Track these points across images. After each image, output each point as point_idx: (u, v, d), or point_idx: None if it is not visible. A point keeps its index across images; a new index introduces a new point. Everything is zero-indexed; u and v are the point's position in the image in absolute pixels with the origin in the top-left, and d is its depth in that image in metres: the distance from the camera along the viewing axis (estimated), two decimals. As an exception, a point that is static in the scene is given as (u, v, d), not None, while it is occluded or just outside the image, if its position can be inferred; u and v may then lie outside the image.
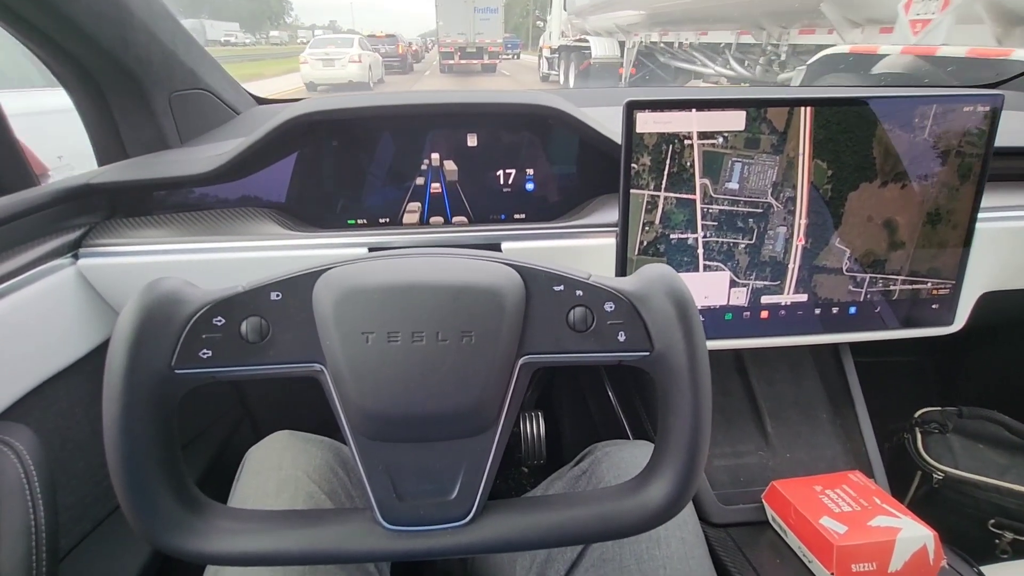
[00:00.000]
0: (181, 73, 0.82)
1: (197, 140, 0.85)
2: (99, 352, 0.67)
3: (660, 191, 0.64)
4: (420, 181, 0.73)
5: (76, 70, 0.72)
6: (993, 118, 0.64)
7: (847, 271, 0.68)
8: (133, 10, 0.71)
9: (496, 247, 0.69)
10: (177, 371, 0.31)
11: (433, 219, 0.75)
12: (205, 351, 0.32)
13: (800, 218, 0.66)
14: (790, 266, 0.67)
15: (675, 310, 0.33)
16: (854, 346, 0.85)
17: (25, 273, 0.58)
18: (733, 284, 0.68)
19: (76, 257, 0.65)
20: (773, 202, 0.65)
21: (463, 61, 17.33)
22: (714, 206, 0.65)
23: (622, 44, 9.11)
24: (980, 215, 0.68)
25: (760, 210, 0.65)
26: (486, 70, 17.73)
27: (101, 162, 0.79)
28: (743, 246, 0.66)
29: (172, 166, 0.70)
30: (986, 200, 0.68)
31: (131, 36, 0.71)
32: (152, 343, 0.30)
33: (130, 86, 0.75)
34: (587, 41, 9.77)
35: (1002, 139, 0.65)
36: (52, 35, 0.66)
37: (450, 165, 0.73)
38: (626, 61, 8.83)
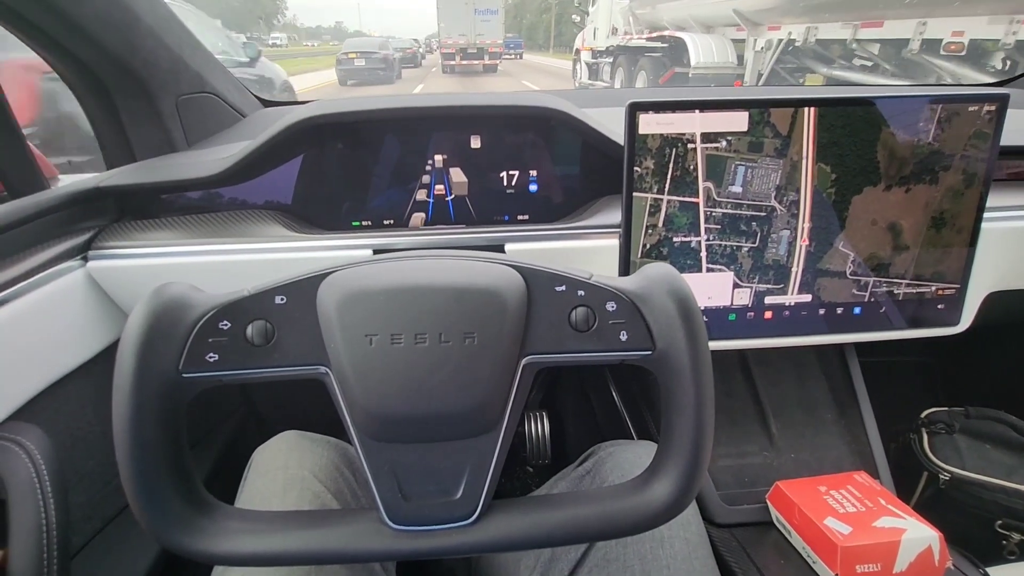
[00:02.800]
0: (188, 77, 0.83)
1: (204, 143, 0.86)
2: (108, 353, 0.68)
3: (663, 194, 0.64)
4: (424, 183, 0.73)
5: (84, 74, 0.73)
6: (999, 117, 0.64)
7: (851, 275, 0.68)
8: (140, 15, 0.71)
9: (500, 248, 0.69)
10: (185, 375, 0.32)
11: (437, 221, 0.75)
12: (212, 355, 0.32)
13: (803, 221, 0.66)
14: (793, 269, 0.67)
15: (677, 309, 0.33)
16: (859, 346, 0.85)
17: (36, 275, 0.59)
18: (736, 285, 0.68)
19: (85, 259, 0.66)
20: (776, 205, 0.65)
21: (464, 62, 17.73)
22: (717, 209, 0.65)
23: (738, 44, 6.06)
24: (987, 215, 0.67)
25: (763, 213, 0.65)
26: (487, 70, 18.03)
27: (109, 165, 0.80)
28: (746, 249, 0.66)
29: (179, 169, 0.71)
30: (993, 200, 0.67)
31: (138, 41, 0.72)
32: (160, 348, 0.31)
33: (137, 90, 0.76)
34: (659, 40, 6.84)
35: (1009, 138, 0.65)
36: (60, 40, 0.67)
37: (459, 176, 0.73)
38: (751, 71, 5.78)
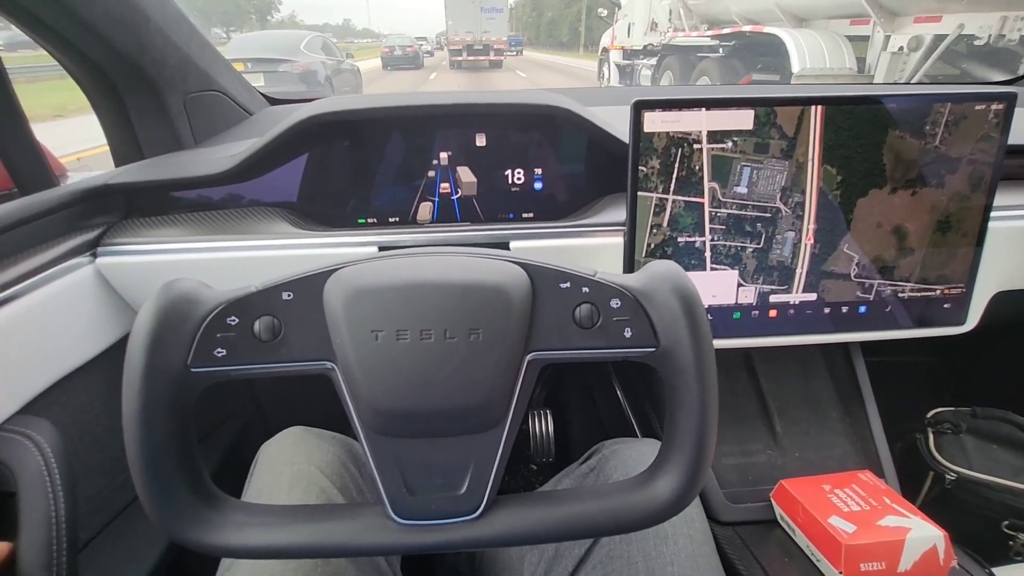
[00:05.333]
0: (196, 75, 0.83)
1: (211, 141, 0.87)
2: (116, 348, 0.69)
3: (668, 194, 0.64)
4: (430, 181, 0.73)
5: (94, 73, 0.74)
6: (1007, 116, 0.63)
7: (855, 277, 0.68)
8: (149, 14, 0.72)
9: (504, 246, 0.70)
10: (193, 370, 0.32)
11: (442, 218, 0.75)
12: (220, 350, 0.32)
13: (808, 223, 0.66)
14: (798, 271, 0.67)
15: (681, 306, 0.33)
16: (865, 345, 0.85)
17: (46, 272, 0.60)
18: (741, 284, 0.68)
19: (94, 256, 0.67)
20: (781, 207, 0.65)
21: (470, 58, 18.70)
22: (722, 210, 0.65)
23: (859, 42, 4.21)
24: (994, 213, 0.67)
25: (768, 215, 0.65)
26: (493, 66, 18.76)
27: (118, 163, 0.81)
28: (751, 250, 0.66)
29: (187, 167, 0.72)
30: (1000, 198, 0.67)
31: (147, 40, 0.73)
32: (169, 343, 0.31)
33: (146, 88, 0.77)
34: (735, 38, 5.22)
35: (1019, 136, 0.64)
36: (70, 39, 0.68)
37: (467, 176, 0.73)
38: (883, 79, 3.85)
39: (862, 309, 0.70)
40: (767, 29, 4.77)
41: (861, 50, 4.26)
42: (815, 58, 4.28)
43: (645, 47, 7.22)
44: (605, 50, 8.98)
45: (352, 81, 8.75)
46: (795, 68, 4.29)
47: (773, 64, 4.75)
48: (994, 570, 0.62)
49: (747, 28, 5.12)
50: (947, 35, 3.49)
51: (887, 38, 3.92)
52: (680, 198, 0.64)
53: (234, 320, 0.32)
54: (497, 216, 0.76)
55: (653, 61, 6.88)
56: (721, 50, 5.48)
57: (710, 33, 5.73)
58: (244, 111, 0.96)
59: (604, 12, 9.00)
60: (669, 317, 0.33)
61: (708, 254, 0.66)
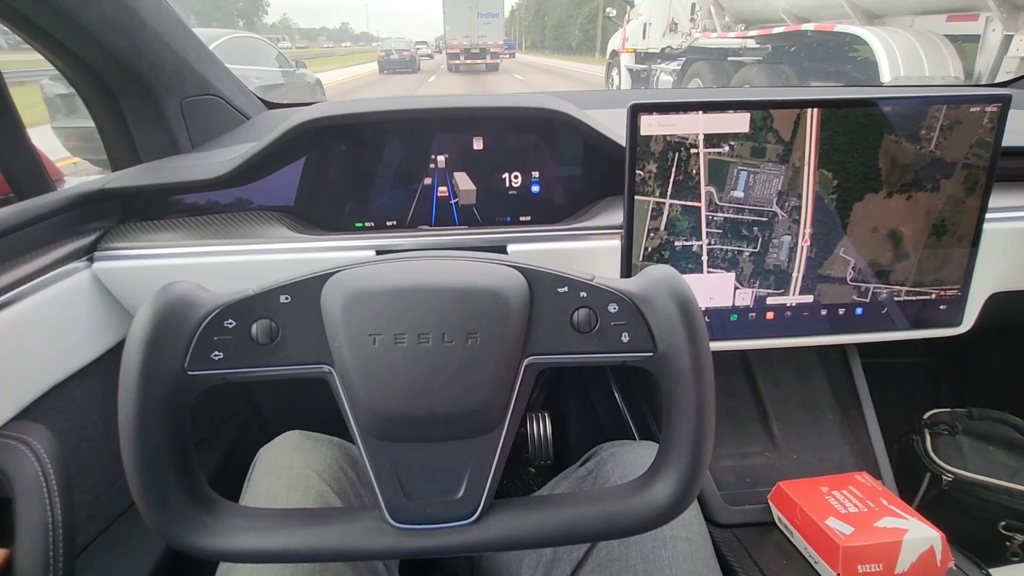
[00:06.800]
0: (193, 79, 0.83)
1: (208, 145, 0.87)
2: (113, 353, 0.69)
3: (665, 198, 0.64)
4: (427, 184, 0.73)
5: (90, 77, 0.74)
6: (1001, 118, 0.63)
7: (851, 281, 0.68)
8: (145, 18, 0.72)
9: (502, 249, 0.70)
10: (190, 373, 0.32)
11: (440, 222, 0.76)
12: (217, 353, 0.32)
13: (805, 227, 0.66)
14: (794, 274, 0.67)
15: (678, 311, 0.33)
16: (861, 347, 0.85)
17: (43, 276, 0.60)
18: (738, 287, 0.68)
19: (91, 260, 0.66)
20: (778, 211, 0.65)
21: (468, 61, 19.21)
22: (719, 214, 0.65)
23: (959, 43, 3.36)
24: (989, 215, 0.67)
25: (765, 219, 0.65)
26: (490, 69, 19.31)
27: (115, 167, 0.81)
28: (747, 254, 0.67)
29: (184, 171, 0.72)
30: (995, 200, 0.67)
31: (144, 44, 0.73)
32: (166, 346, 0.31)
33: (143, 93, 0.77)
34: (775, 40, 4.48)
35: (1013, 138, 0.65)
36: (67, 43, 0.68)
37: (466, 184, 0.73)
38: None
39: (859, 311, 0.70)
40: (841, 28, 3.81)
41: (961, 53, 3.42)
42: (911, 64, 3.35)
43: (663, 50, 6.25)
44: (615, 53, 7.94)
45: (307, 96, 6.12)
46: (885, 77, 3.36)
47: (840, 71, 3.98)
48: (991, 571, 0.62)
49: (808, 27, 4.15)
50: None
51: (1007, 39, 2.99)
52: (677, 202, 0.65)
53: (231, 323, 0.32)
54: (494, 219, 0.76)
55: (674, 66, 5.98)
56: (765, 54, 4.64)
57: (754, 33, 4.76)
58: (241, 115, 0.96)
59: (612, 12, 7.88)
60: (666, 322, 0.33)
61: (705, 258, 0.67)
